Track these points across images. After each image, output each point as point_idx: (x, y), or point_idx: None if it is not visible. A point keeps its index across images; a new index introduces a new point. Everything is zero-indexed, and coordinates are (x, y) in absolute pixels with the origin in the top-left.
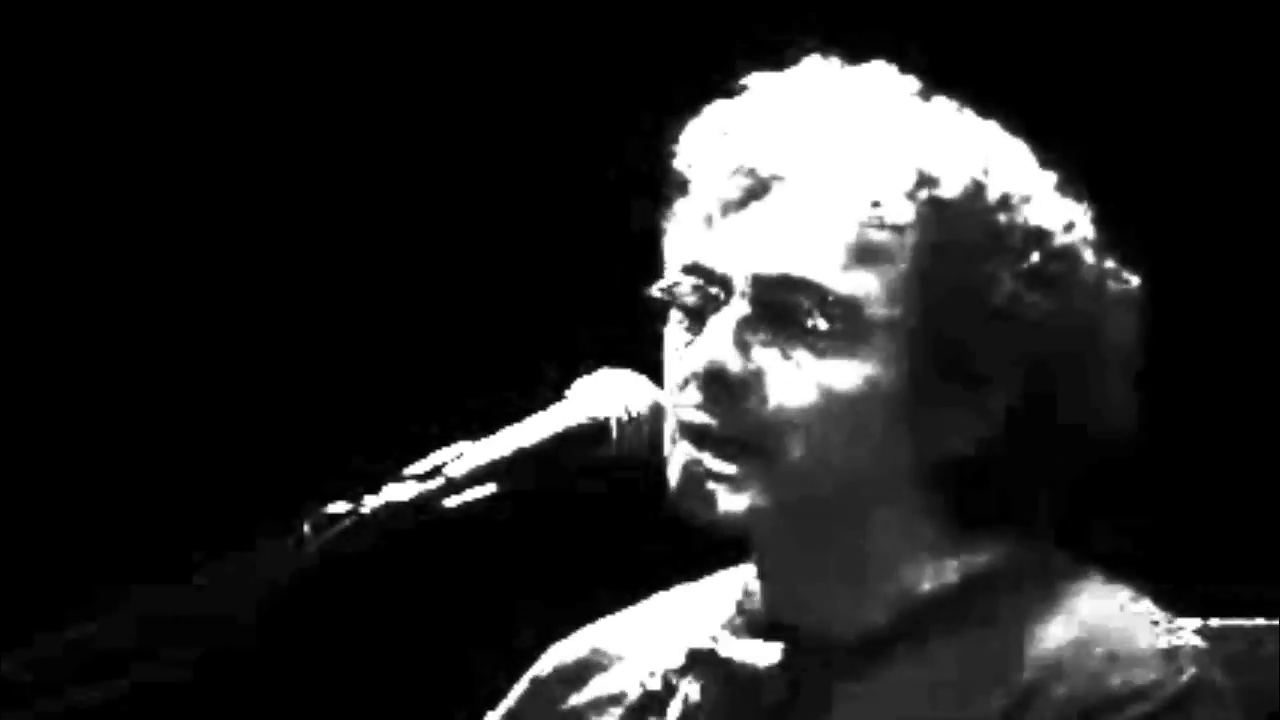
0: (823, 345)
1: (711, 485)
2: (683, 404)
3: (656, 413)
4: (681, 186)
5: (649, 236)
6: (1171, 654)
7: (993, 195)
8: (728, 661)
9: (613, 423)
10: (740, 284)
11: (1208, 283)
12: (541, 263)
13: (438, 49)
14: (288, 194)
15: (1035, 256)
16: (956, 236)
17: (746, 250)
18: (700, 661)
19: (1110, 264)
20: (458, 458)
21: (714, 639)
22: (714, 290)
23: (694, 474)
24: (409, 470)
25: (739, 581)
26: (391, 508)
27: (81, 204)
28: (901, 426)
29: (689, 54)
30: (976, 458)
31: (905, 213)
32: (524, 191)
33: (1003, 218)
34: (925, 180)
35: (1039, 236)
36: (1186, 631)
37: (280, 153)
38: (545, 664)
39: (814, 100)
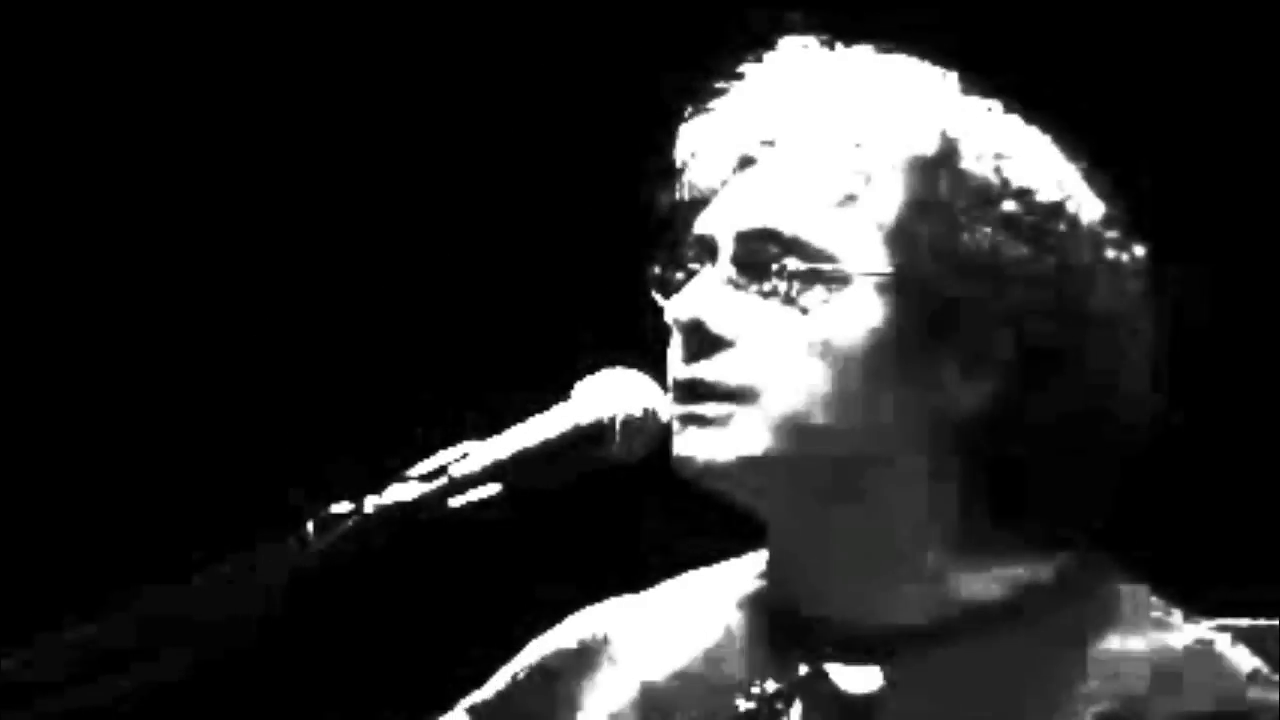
0: (803, 297)
1: (698, 433)
2: (673, 362)
3: (659, 412)
4: (682, 173)
5: (653, 233)
6: (1257, 677)
7: (972, 149)
8: (836, 687)
9: (616, 423)
10: (725, 244)
11: (1221, 280)
12: (544, 262)
13: (436, 46)
14: (292, 194)
15: (1015, 208)
16: (934, 189)
17: (733, 212)
18: (807, 688)
19: (1114, 232)
20: (462, 458)
21: (818, 664)
22: (704, 255)
23: (683, 425)
24: (413, 470)
25: (751, 570)
26: (395, 508)
27: (87, 207)
28: (890, 383)
29: (686, 47)
30: (994, 445)
31: (881, 165)
32: (525, 192)
33: (982, 170)
34: (902, 134)
35: (1022, 191)
36: (1248, 652)
37: (283, 153)
38: (543, 646)
39: (800, 74)
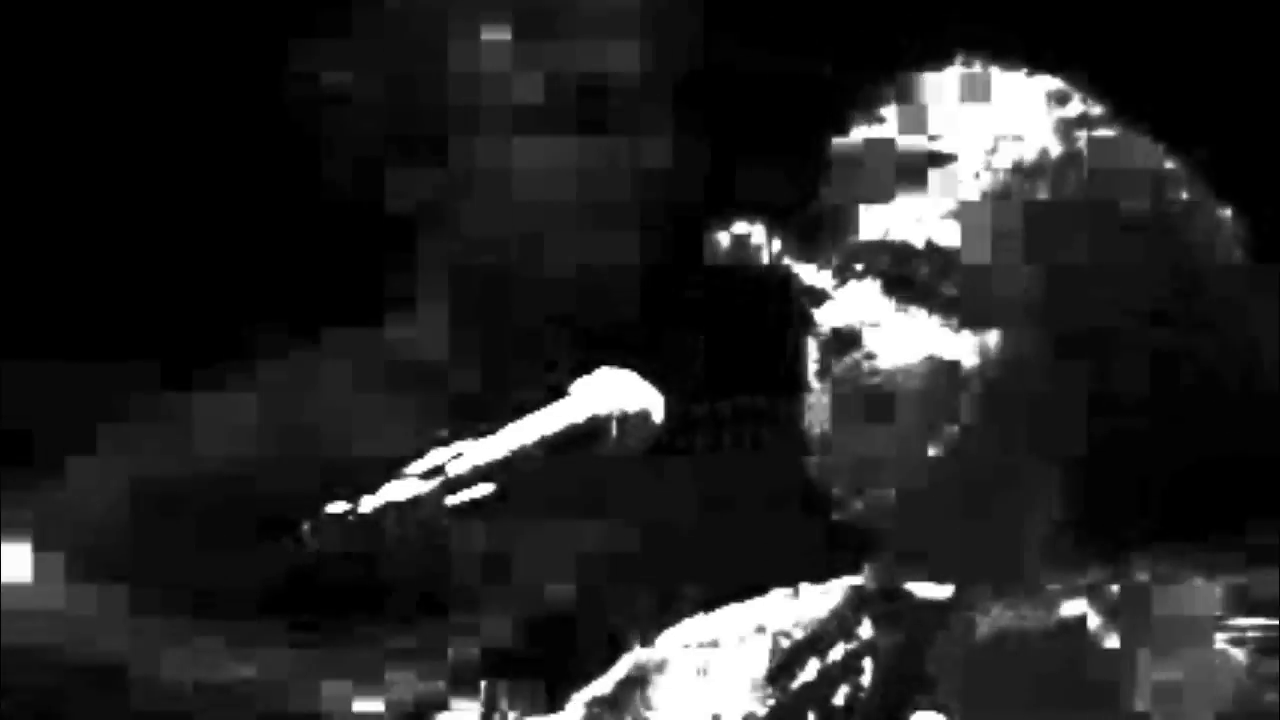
0: (946, 314)
1: (837, 446)
2: (815, 371)
3: (654, 412)
4: (846, 179)
5: (805, 242)
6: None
7: (1119, 182)
8: (910, 598)
9: (612, 423)
10: (876, 260)
11: None
12: (540, 261)
13: None
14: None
15: (1155, 236)
16: (1079, 219)
17: (887, 228)
18: (877, 599)
19: (1240, 250)
20: (457, 457)
21: (889, 579)
22: (856, 268)
23: (821, 438)
24: (409, 469)
25: (847, 584)
26: (391, 507)
27: None
28: (1022, 408)
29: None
30: (1110, 462)
31: (1023, 193)
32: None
33: (1126, 200)
34: (1057, 165)
35: (1158, 215)
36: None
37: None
38: (654, 647)
39: (965, 93)
